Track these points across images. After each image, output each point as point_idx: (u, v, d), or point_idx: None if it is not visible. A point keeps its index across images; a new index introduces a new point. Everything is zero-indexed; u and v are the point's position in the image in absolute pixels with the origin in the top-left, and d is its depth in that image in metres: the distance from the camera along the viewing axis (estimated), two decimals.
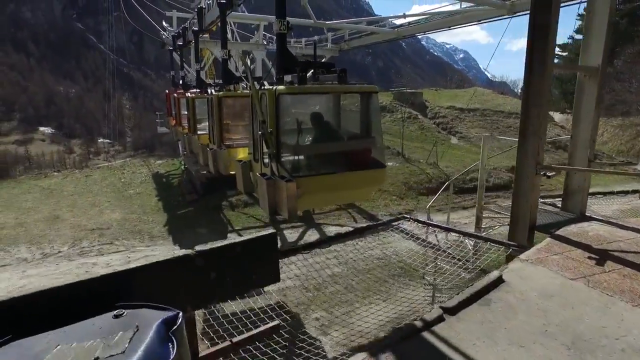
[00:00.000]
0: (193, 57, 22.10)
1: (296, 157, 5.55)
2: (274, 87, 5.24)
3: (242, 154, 7.89)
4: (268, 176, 5.38)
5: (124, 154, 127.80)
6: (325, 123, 5.89)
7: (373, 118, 5.92)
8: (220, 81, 9.75)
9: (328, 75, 5.56)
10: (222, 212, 14.13)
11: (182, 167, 20.92)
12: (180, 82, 15.35)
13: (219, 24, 9.85)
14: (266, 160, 5.62)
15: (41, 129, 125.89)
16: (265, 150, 5.48)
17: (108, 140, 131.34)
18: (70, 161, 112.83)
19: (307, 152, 5.64)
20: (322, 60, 15.35)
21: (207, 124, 9.34)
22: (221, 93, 8.50)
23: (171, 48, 17.16)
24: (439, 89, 26.45)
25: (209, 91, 9.39)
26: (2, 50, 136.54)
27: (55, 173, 19.23)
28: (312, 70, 5.46)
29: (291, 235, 12.46)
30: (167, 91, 19.01)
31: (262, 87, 5.62)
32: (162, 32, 20.67)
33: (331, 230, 12.87)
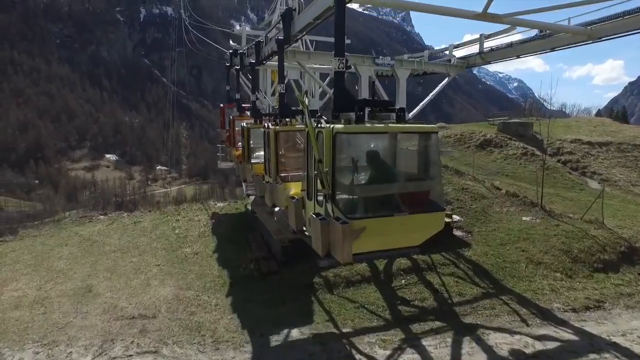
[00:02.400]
0: (263, 82, 18.66)
1: (352, 198, 5.30)
2: (331, 126, 5.03)
3: (297, 188, 7.26)
4: (322, 216, 5.12)
5: (180, 180, 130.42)
6: (383, 162, 5.61)
7: (432, 158, 5.60)
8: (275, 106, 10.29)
9: (386, 113, 5.41)
10: (315, 295, 9.44)
11: (249, 209, 16.71)
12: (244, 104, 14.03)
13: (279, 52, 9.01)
14: (320, 198, 5.32)
15: (107, 156, 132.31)
16: (319, 188, 5.17)
17: (165, 168, 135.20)
18: (130, 187, 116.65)
19: (364, 194, 5.43)
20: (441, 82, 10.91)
21: (263, 155, 9.21)
22: (278, 127, 8.25)
23: (228, 64, 16.33)
24: (553, 118, 20.61)
25: (266, 124, 9.07)
26: (81, 85, 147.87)
27: (102, 217, 15.75)
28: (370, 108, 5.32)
29: (438, 352, 7.41)
30: (221, 105, 17.70)
31: (319, 125, 5.23)
32: (227, 51, 18.35)
33: (500, 344, 7.66)
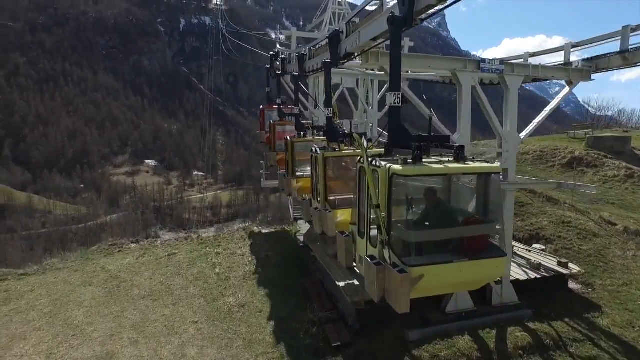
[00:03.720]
0: (313, 88, 16.29)
1: (410, 243, 4.94)
2: (388, 166, 4.74)
3: (347, 216, 6.96)
4: (377, 261, 4.83)
5: (215, 186, 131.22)
6: (441, 204, 5.25)
7: (493, 199, 5.20)
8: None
9: (443, 150, 5.15)
10: None
11: (299, 239, 14.22)
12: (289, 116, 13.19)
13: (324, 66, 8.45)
14: (373, 231, 5.13)
15: (147, 161, 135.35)
16: (370, 225, 5.16)
17: (202, 173, 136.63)
18: (167, 192, 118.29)
19: (422, 238, 5.07)
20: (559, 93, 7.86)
21: (310, 175, 8.90)
22: (326, 152, 7.89)
23: (268, 66, 15.84)
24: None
25: (313, 148, 8.53)
26: (124, 93, 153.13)
27: (133, 245, 13.77)
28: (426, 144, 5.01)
29: None
30: (261, 107, 17.04)
31: (376, 163, 4.93)
32: (267, 54, 17.16)
33: None
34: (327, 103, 8.65)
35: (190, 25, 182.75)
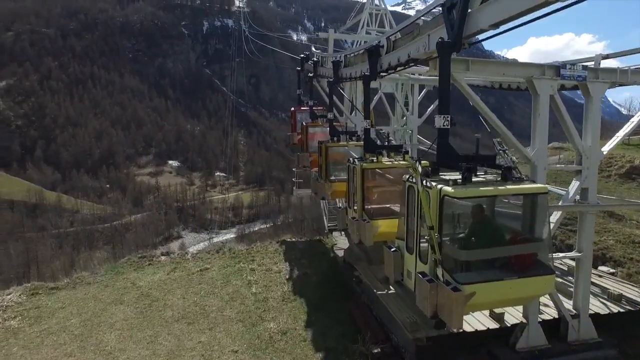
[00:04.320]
0: (350, 91, 15.41)
1: (462, 262, 5.13)
2: (439, 187, 4.88)
3: (384, 226, 7.36)
4: (429, 278, 4.96)
5: (237, 187, 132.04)
6: (491, 224, 5.44)
7: (541, 218, 5.28)
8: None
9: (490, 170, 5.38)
10: None
11: (337, 254, 13.36)
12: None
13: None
14: (421, 246, 5.32)
15: (170, 162, 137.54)
16: (419, 240, 5.33)
17: (223, 174, 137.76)
18: (190, 192, 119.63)
19: (474, 257, 5.22)
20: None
21: (347, 187, 8.92)
22: (365, 164, 7.93)
23: (299, 68, 15.86)
24: None
25: (351, 159, 8.51)
26: (148, 95, 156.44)
27: (163, 257, 13.15)
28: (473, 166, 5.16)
29: None
30: (292, 109, 16.96)
31: (426, 183, 5.03)
32: (298, 56, 16.85)
33: None
34: (366, 115, 8.64)
35: (213, 28, 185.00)
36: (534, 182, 5.49)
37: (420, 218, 5.23)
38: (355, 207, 8.07)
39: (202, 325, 9.35)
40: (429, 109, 15.83)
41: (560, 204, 7.80)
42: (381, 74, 8.27)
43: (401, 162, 7.78)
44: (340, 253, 13.48)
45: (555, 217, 7.67)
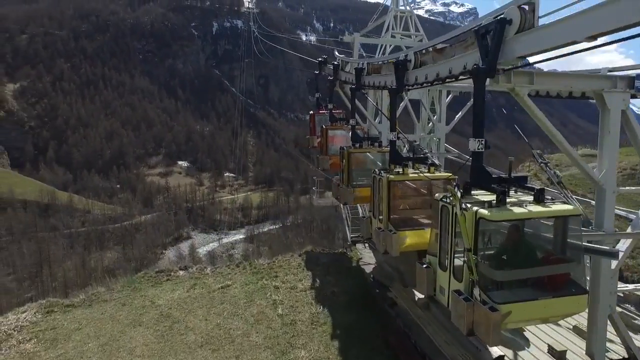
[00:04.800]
0: (375, 95, 14.69)
1: (497, 282, 5.27)
2: (475, 209, 5.01)
3: (410, 237, 7.64)
4: (465, 296, 5.13)
5: (246, 187, 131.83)
6: (524, 241, 5.51)
7: (574, 238, 5.41)
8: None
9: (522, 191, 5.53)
10: None
11: (363, 269, 12.69)
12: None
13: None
14: (457, 261, 5.46)
15: (179, 162, 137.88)
16: (452, 258, 5.53)
17: (233, 174, 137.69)
18: (199, 193, 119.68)
19: (510, 277, 5.38)
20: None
21: (371, 198, 8.88)
22: (391, 176, 7.94)
23: (317, 72, 15.74)
24: None
25: (377, 171, 8.51)
26: (158, 96, 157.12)
27: (181, 272, 12.51)
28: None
29: None
30: (311, 112, 16.97)
31: (464, 206, 5.13)
32: (316, 60, 16.70)
33: None
34: (392, 127, 8.65)
35: (222, 29, 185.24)
36: (566, 202, 5.49)
37: (454, 237, 5.44)
38: (380, 217, 8.18)
39: (228, 353, 8.69)
40: (457, 117, 15.07)
41: (629, 230, 6.99)
42: (407, 87, 8.18)
43: (427, 174, 7.89)
44: (367, 268, 12.78)
45: (624, 244, 6.86)
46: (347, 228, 15.55)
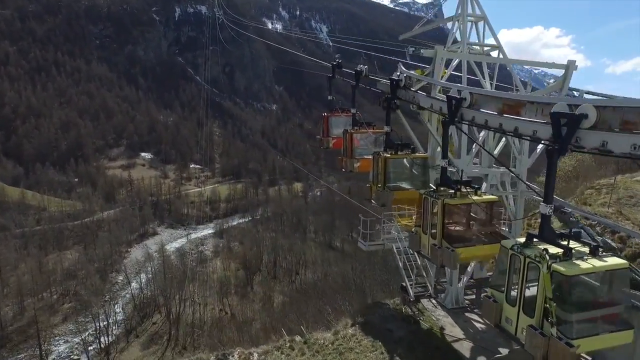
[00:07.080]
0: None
1: (571, 321, 6.08)
2: (550, 264, 5.81)
3: (464, 253, 8.76)
4: (540, 330, 6.01)
5: (213, 179, 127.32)
6: (591, 289, 6.35)
7: (624, 286, 6.52)
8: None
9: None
10: None
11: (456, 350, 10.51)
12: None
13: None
14: (527, 297, 6.45)
15: (142, 154, 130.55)
16: (522, 296, 6.53)
17: (199, 166, 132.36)
18: (165, 186, 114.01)
19: (581, 317, 6.21)
20: None
21: (421, 216, 9.78)
22: (447, 200, 8.73)
23: (330, 75, 16.45)
24: None
25: (429, 196, 9.49)
26: (118, 84, 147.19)
27: None
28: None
29: None
30: (324, 114, 17.29)
31: (535, 257, 6.13)
32: (329, 64, 16.99)
33: None
34: (444, 155, 9.17)
35: (185, 15, 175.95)
36: (617, 257, 6.40)
37: (527, 281, 6.38)
38: (433, 232, 9.10)
39: None
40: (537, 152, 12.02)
41: None
42: (462, 122, 8.63)
43: (474, 197, 8.74)
44: (462, 347, 10.47)
45: None
46: (406, 279, 12.93)
